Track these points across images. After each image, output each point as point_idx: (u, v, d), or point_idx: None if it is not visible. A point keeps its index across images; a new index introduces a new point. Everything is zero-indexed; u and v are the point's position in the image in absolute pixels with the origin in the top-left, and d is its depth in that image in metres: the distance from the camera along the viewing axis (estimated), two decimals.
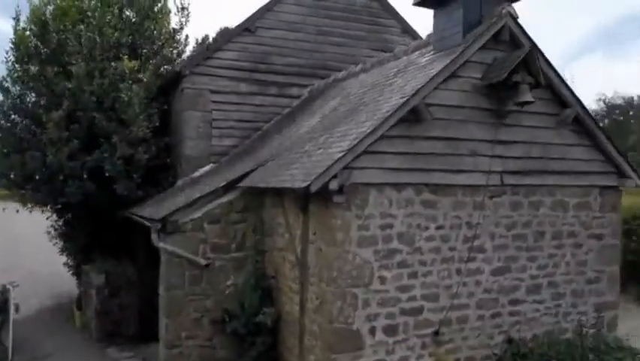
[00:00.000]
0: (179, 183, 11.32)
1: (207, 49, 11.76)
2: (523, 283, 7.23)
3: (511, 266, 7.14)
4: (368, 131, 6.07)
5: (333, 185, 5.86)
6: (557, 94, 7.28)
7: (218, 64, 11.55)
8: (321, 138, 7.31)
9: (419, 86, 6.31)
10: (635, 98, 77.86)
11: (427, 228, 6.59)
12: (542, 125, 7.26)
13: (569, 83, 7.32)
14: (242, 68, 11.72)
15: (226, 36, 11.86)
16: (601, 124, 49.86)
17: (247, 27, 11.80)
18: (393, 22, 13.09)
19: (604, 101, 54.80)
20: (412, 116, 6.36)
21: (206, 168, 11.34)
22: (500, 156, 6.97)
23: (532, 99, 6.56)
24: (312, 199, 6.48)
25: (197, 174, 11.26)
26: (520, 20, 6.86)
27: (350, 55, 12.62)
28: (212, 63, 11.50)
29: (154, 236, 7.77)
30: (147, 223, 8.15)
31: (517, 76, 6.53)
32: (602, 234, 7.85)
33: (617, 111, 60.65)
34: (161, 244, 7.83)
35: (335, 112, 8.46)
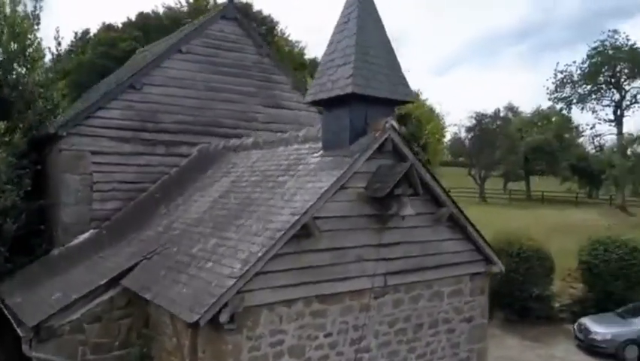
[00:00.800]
0: (55, 252, 10.50)
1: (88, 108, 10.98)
2: None
3: (394, 360, 7.61)
4: (260, 254, 6.12)
5: (224, 317, 5.84)
6: (434, 195, 7.87)
7: (100, 123, 10.89)
8: (211, 242, 7.20)
9: (309, 204, 6.48)
10: (501, 109, 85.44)
11: (316, 337, 6.81)
12: (421, 225, 7.81)
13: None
14: (127, 127, 11.16)
15: (110, 94, 11.15)
16: (472, 134, 54.17)
17: (132, 84, 11.25)
18: (284, 79, 13.24)
19: (475, 118, 59.84)
20: (302, 231, 6.52)
21: (86, 235, 10.64)
22: (384, 259, 7.39)
23: (412, 212, 7.04)
24: None
25: (75, 241, 10.53)
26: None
27: (241, 111, 12.60)
28: (93, 123, 10.81)
29: (25, 347, 7.15)
30: (18, 330, 7.45)
31: (398, 190, 6.98)
32: (472, 316, 8.64)
33: (484, 126, 66.15)
34: (33, 354, 7.22)
35: (226, 200, 8.37)
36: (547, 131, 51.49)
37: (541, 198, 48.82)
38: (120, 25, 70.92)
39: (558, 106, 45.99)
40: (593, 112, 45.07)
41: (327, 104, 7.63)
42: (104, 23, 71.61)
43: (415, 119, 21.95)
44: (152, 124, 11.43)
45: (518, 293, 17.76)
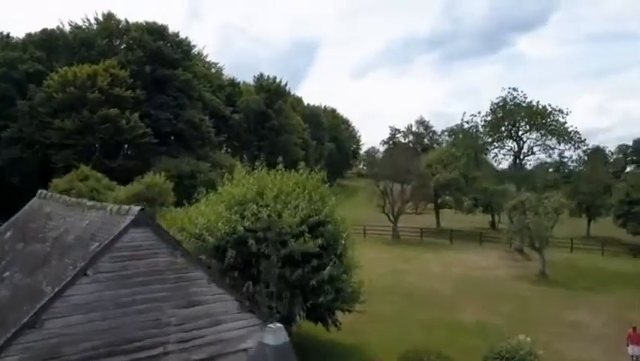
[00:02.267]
0: None
1: None
2: None
3: None
4: None
5: None
6: None
7: None
8: None
9: None
10: (413, 124, 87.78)
11: None
12: None
13: None
14: None
15: (5, 342, 10.20)
16: (385, 147, 55.08)
17: (30, 325, 10.40)
18: (199, 274, 12.86)
19: (391, 141, 61.46)
20: None
21: None
22: None
23: None
24: None
25: None
26: None
27: (153, 320, 12.10)
28: None
29: None
30: None
31: None
32: None
33: (396, 140, 68.09)
34: None
35: None
36: (455, 170, 54.42)
37: (450, 237, 51.58)
38: (20, 41, 64.07)
39: (465, 153, 48.70)
40: (495, 160, 48.24)
41: None
42: (1, 34, 64.57)
43: (331, 225, 22.14)
44: None
45: None
